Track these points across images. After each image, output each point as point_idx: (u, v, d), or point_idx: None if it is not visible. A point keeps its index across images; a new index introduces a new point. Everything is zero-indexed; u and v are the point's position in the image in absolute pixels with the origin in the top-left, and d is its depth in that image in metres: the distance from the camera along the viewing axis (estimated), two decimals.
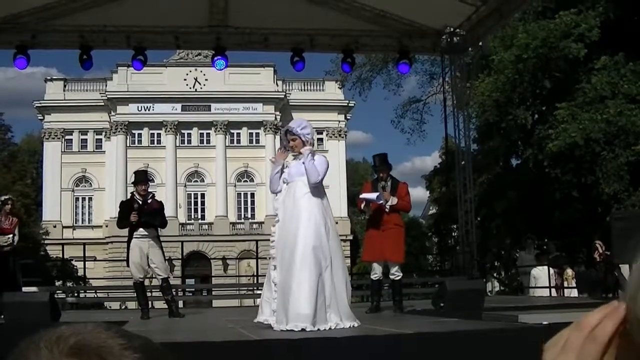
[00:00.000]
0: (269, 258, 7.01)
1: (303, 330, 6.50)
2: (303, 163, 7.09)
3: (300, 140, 7.20)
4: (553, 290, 15.99)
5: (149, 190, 10.14)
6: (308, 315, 6.63)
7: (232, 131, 52.56)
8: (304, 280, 6.71)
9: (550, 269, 16.25)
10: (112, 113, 51.34)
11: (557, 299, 14.44)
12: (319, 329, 6.62)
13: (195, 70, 50.19)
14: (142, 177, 10.32)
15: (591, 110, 19.42)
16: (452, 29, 13.23)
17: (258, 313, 7.10)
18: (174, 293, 11.55)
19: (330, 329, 6.73)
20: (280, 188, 7.22)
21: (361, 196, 9.62)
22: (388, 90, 30.73)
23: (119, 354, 0.76)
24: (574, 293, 15.70)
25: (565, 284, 16.46)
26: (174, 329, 8.26)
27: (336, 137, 53.95)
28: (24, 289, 12.07)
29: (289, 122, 7.80)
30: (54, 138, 51.56)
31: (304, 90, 54.16)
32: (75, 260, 27.09)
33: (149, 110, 51.30)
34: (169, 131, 51.55)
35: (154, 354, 0.80)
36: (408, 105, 30.79)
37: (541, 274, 16.27)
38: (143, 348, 0.78)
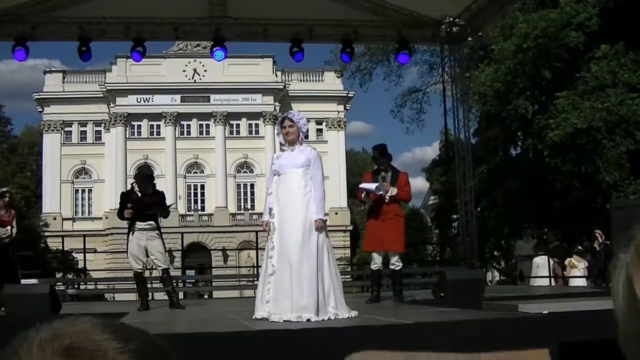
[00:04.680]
0: (271, 249, 6.96)
1: (308, 320, 6.53)
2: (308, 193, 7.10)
3: (297, 129, 7.22)
4: (553, 279, 16.01)
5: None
6: (312, 305, 6.66)
7: (231, 122, 52.56)
8: (305, 272, 6.73)
9: (550, 258, 16.25)
10: (112, 105, 51.31)
11: (558, 288, 14.46)
12: (323, 319, 6.65)
13: (194, 61, 50.13)
14: (144, 183, 9.86)
15: (592, 98, 19.40)
16: (451, 19, 13.18)
17: (256, 309, 6.95)
18: (175, 284, 11.55)
19: (329, 319, 6.74)
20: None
21: (361, 186, 9.62)
22: (389, 82, 30.74)
23: (113, 358, 0.75)
24: (579, 282, 15.60)
25: (571, 273, 16.37)
26: (174, 320, 8.27)
27: (336, 127, 53.92)
28: (23, 281, 12.07)
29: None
30: (53, 130, 51.54)
31: (303, 80, 54.11)
32: (76, 252, 27.12)
33: (148, 101, 51.28)
34: (168, 122, 51.53)
35: (151, 357, 0.79)
36: (407, 95, 30.78)
37: (545, 263, 16.27)
38: (139, 352, 0.77)
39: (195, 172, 52.76)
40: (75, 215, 51.78)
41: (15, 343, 0.76)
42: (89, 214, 52.27)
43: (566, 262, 16.34)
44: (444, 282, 9.28)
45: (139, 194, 9.64)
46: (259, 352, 5.06)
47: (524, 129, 23.75)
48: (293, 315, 6.56)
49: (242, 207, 52.21)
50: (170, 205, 10.21)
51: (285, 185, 7.07)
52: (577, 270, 15.97)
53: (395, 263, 9.53)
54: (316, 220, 6.98)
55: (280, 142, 7.41)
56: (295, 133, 7.20)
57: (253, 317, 6.88)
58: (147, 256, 9.62)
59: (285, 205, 6.99)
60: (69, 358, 0.74)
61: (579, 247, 16.77)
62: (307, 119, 7.70)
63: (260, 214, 48.82)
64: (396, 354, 0.93)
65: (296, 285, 6.67)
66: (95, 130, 52.72)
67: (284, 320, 6.52)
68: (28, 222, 36.01)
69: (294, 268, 6.72)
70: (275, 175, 7.18)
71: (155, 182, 10.33)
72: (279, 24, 13.17)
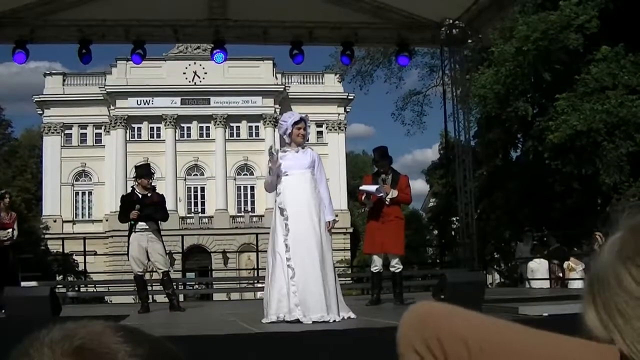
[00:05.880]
0: (285, 251, 6.84)
1: (334, 321, 6.64)
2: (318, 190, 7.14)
3: (307, 132, 7.33)
4: (552, 281, 16.00)
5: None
6: (334, 306, 6.80)
7: (231, 124, 52.56)
8: (327, 274, 6.81)
9: (550, 260, 16.23)
10: (112, 107, 51.32)
11: (558, 291, 14.45)
12: (336, 320, 6.74)
13: (195, 63, 50.16)
14: (146, 171, 10.26)
15: (592, 100, 19.40)
16: (451, 21, 13.17)
17: (266, 314, 6.86)
18: (175, 287, 11.55)
19: (343, 318, 6.82)
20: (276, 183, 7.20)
21: (361, 188, 9.63)
22: (389, 84, 30.75)
23: None
24: (578, 284, 15.56)
25: (570, 275, 16.33)
26: (174, 322, 8.27)
27: (336, 129, 53.94)
28: (23, 283, 12.07)
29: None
30: (53, 132, 51.54)
31: (303, 83, 54.15)
32: (76, 255, 27.12)
33: (148, 104, 51.28)
34: (168, 125, 51.53)
35: None
36: (408, 98, 30.77)
37: (539, 267, 16.24)
38: (149, 356, 0.77)
39: (196, 175, 52.75)
40: (76, 217, 51.79)
41: (26, 342, 0.77)
42: (89, 217, 52.26)
43: (565, 265, 16.34)
44: (445, 284, 9.27)
45: (140, 196, 9.69)
46: (259, 354, 5.06)
47: (524, 131, 23.75)
48: (319, 316, 6.59)
49: (243, 209, 52.21)
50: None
51: (295, 187, 7.06)
52: (576, 273, 15.95)
53: (396, 265, 9.53)
54: (329, 222, 7.06)
55: (285, 142, 7.39)
56: (306, 136, 7.30)
57: (263, 321, 6.82)
58: (148, 259, 9.64)
59: (302, 209, 6.97)
60: (79, 358, 0.74)
61: (575, 249, 16.75)
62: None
63: (260, 216, 49.06)
64: (462, 311, 0.99)
65: (320, 287, 6.68)
66: (96, 133, 52.72)
67: (313, 322, 6.53)
68: (28, 224, 35.99)
69: (317, 270, 6.73)
70: (280, 175, 7.13)
71: (155, 184, 10.41)
72: (279, 26, 13.16)
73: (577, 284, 15.55)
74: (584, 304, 0.87)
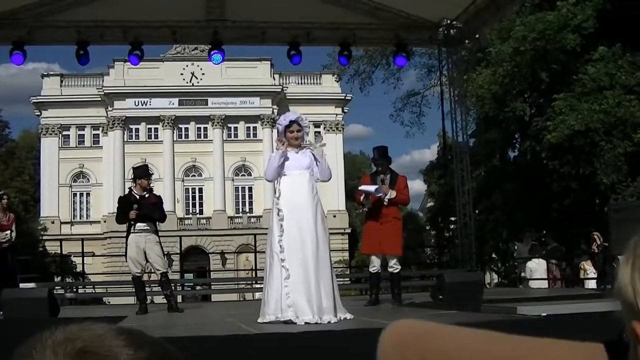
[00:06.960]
0: (280, 252, 6.84)
1: (329, 322, 6.63)
2: (315, 159, 7.12)
3: (303, 134, 7.27)
4: (551, 281, 15.99)
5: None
6: (331, 307, 6.80)
7: (229, 125, 52.54)
8: (322, 275, 6.78)
9: (548, 261, 16.23)
10: (109, 108, 51.28)
11: (556, 291, 14.46)
12: (330, 322, 6.72)
13: (192, 64, 50.15)
14: (145, 172, 10.28)
15: (589, 100, 19.43)
16: (448, 21, 13.17)
17: (262, 314, 6.89)
18: (173, 288, 11.54)
19: (340, 319, 6.82)
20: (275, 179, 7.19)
21: (360, 188, 9.64)
22: (387, 85, 30.83)
23: None
24: (593, 285, 15.45)
25: (586, 276, 16.24)
26: (173, 323, 8.27)
27: (333, 130, 53.91)
28: (21, 285, 12.06)
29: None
30: (51, 134, 51.49)
31: (301, 83, 54.14)
32: (74, 256, 27.07)
33: (146, 105, 51.25)
34: (166, 126, 51.50)
35: None
36: (406, 98, 30.82)
37: (538, 267, 16.23)
38: (150, 359, 0.78)
39: (194, 176, 52.72)
40: (74, 219, 51.73)
41: (29, 344, 0.78)
42: (87, 218, 52.22)
43: (580, 265, 16.36)
44: (443, 284, 9.29)
45: (137, 197, 9.69)
46: (258, 355, 5.06)
47: (521, 131, 23.78)
48: (315, 317, 6.58)
49: (241, 210, 52.17)
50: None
51: (294, 187, 7.06)
52: (588, 274, 15.94)
53: (394, 266, 9.53)
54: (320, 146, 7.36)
55: (280, 143, 7.34)
56: (302, 138, 7.24)
57: (258, 321, 6.84)
58: (147, 260, 9.64)
59: (298, 209, 6.96)
60: None
61: (590, 249, 16.64)
62: None
63: (258, 217, 49.01)
64: (441, 327, 0.99)
65: (315, 288, 6.68)
66: (93, 134, 52.68)
67: (305, 323, 6.52)
68: (26, 226, 35.95)
69: (312, 271, 6.72)
70: (280, 175, 7.14)
71: (153, 185, 10.41)
72: (277, 27, 13.15)
73: (591, 284, 15.49)
74: (622, 263, 0.89)
